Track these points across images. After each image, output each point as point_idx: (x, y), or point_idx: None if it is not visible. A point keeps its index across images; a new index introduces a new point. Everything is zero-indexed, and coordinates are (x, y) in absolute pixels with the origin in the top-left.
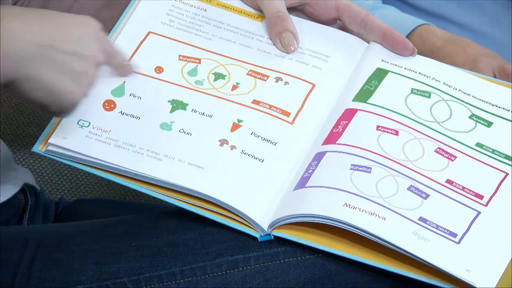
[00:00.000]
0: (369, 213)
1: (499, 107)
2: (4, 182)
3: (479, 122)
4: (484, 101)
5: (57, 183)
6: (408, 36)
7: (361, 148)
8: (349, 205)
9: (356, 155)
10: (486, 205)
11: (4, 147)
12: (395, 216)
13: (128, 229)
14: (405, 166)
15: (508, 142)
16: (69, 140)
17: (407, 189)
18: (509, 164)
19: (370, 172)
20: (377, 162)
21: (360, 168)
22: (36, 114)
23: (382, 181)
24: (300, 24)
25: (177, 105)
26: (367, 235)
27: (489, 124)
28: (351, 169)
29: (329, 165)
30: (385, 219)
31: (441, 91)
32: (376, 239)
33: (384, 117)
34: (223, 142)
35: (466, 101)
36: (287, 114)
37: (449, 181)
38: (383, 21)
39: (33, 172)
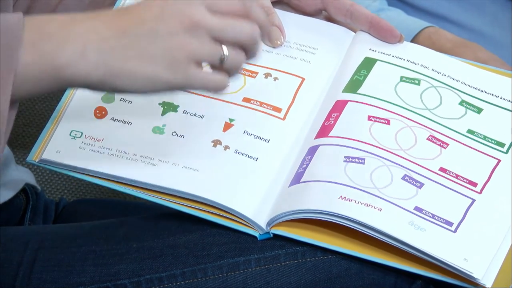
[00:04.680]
0: (364, 205)
1: (488, 93)
2: (4, 182)
3: (469, 109)
4: (473, 87)
5: (57, 183)
6: (415, 38)
7: (353, 140)
8: (345, 197)
9: (349, 147)
10: (480, 192)
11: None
12: (391, 207)
13: (129, 231)
14: (398, 155)
15: (498, 128)
16: (62, 153)
17: (401, 178)
18: (500, 151)
19: (363, 163)
20: (370, 153)
21: (354, 160)
22: (36, 114)
23: (376, 171)
24: (285, 18)
25: (168, 107)
26: (363, 228)
27: (479, 110)
28: (344, 161)
29: (323, 158)
30: (381, 210)
31: (430, 77)
32: (373, 232)
33: (375, 106)
34: (216, 142)
35: (455, 87)
36: (279, 110)
37: (442, 169)
38: (390, 22)
39: (33, 172)
